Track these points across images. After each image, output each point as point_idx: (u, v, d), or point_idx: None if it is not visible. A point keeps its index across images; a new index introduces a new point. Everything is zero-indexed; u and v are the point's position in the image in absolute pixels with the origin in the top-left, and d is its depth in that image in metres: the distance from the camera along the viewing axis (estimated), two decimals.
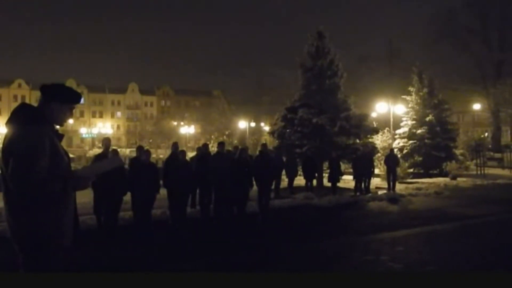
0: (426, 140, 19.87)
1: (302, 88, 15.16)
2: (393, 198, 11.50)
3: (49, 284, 2.10)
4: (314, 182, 12.87)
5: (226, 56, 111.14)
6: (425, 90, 21.05)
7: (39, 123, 2.20)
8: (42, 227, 2.16)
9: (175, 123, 58.17)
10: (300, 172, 13.28)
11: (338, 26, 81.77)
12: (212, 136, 31.62)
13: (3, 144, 2.18)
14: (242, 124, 41.49)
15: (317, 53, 14.97)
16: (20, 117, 2.22)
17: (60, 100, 2.31)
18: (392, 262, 4.82)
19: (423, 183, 15.47)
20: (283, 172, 12.78)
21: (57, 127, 2.38)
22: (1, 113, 63.09)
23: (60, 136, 2.34)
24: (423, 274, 4.18)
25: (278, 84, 42.52)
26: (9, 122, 2.22)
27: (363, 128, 14.59)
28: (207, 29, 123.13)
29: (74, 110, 2.46)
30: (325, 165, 14.40)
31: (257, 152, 10.04)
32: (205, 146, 9.41)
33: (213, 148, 15.65)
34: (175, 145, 8.82)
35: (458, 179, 16.87)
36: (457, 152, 21.06)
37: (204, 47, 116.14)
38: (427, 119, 20.28)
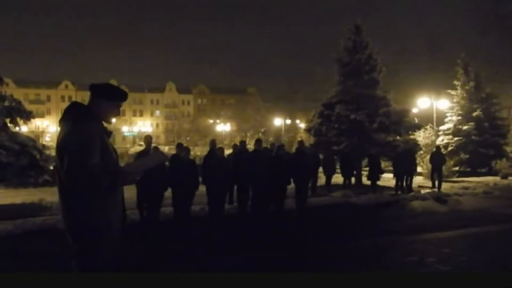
0: (473, 137, 18.78)
1: (338, 84, 14.81)
2: (437, 197, 10.95)
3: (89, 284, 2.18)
4: (353, 180, 12.56)
5: (259, 54, 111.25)
6: (472, 83, 19.84)
7: (89, 121, 2.31)
8: (94, 220, 2.26)
9: (211, 121, 59.13)
10: (338, 170, 13.02)
11: (375, 19, 79.06)
12: (248, 134, 31.78)
13: (57, 141, 2.31)
14: (278, 121, 41.38)
15: (355, 48, 14.56)
16: (71, 115, 2.34)
17: (108, 98, 2.41)
18: (438, 264, 4.60)
19: (470, 182, 14.61)
20: (320, 169, 12.60)
21: (105, 124, 2.49)
22: (50, 112, 67.42)
23: (109, 133, 2.44)
24: (473, 274, 3.94)
25: (312, 80, 41.89)
26: (62, 120, 2.35)
27: (404, 124, 14.04)
28: (240, 29, 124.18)
29: None
30: (365, 162, 14.01)
31: (294, 149, 9.96)
32: (242, 143, 9.47)
33: (248, 145, 15.73)
34: (213, 142, 8.98)
35: (510, 178, 15.80)
36: (508, 149, 19.72)
37: (237, 45, 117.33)
38: (474, 114, 19.13)
